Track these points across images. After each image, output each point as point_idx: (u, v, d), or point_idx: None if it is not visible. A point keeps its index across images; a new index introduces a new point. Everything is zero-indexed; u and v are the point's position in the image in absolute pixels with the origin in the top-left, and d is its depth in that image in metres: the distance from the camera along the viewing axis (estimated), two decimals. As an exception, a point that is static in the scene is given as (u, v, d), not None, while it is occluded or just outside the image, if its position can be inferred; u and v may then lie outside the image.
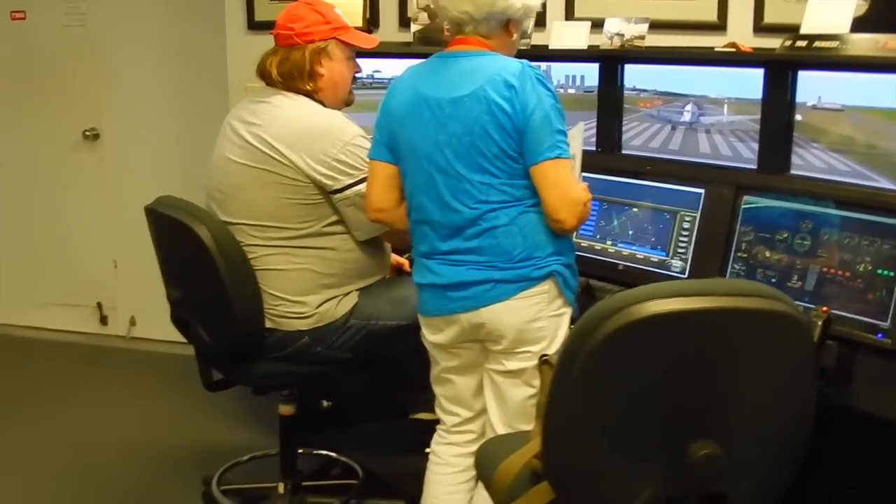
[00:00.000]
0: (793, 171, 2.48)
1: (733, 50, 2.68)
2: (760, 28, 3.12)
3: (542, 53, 3.00)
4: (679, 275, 2.56)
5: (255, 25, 3.68)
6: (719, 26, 3.16)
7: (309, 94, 2.43)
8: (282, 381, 2.56)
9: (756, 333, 1.45)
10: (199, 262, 2.34)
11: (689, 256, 2.55)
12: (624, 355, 1.43)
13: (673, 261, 2.58)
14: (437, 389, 2.38)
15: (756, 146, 2.58)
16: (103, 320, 4.65)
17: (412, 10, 3.22)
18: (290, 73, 2.41)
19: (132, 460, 3.33)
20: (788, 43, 2.48)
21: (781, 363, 1.47)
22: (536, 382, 2.19)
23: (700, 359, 1.44)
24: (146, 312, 4.55)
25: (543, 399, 1.74)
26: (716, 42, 3.14)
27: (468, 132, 2.09)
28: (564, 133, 2.11)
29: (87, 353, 4.50)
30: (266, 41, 3.55)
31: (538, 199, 2.13)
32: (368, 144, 2.37)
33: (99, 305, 4.63)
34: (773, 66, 2.51)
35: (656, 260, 2.62)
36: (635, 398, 1.45)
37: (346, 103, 2.54)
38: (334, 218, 2.40)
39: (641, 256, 2.66)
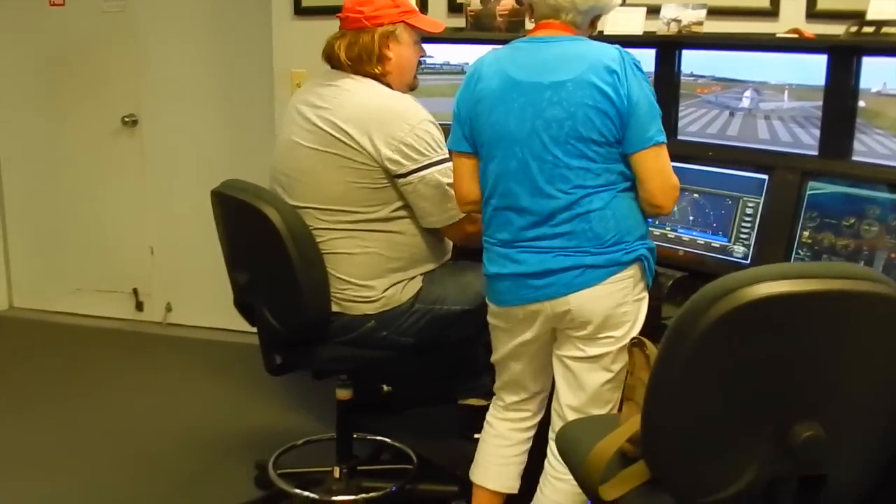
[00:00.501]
0: (855, 158, 2.48)
1: (796, 36, 2.67)
2: (814, 14, 3.11)
3: (598, 38, 2.98)
4: (742, 261, 2.56)
5: (301, 11, 3.68)
6: (772, 13, 3.15)
7: (377, 78, 2.42)
8: (345, 366, 2.56)
9: (862, 316, 1.45)
10: (267, 246, 2.34)
11: (752, 242, 2.55)
12: (733, 337, 1.43)
13: (735, 246, 2.59)
14: (500, 371, 2.40)
15: (817, 132, 2.57)
16: (139, 306, 4.66)
17: (465, -4, 3.22)
18: (360, 56, 2.40)
19: (184, 445, 3.34)
20: (854, 29, 2.48)
21: (887, 346, 1.47)
22: (616, 366, 2.22)
23: (806, 341, 1.45)
24: (182, 299, 4.59)
25: (636, 382, 1.75)
26: (769, 28, 3.14)
27: (570, 117, 2.07)
28: (661, 119, 2.14)
29: (123, 338, 4.51)
30: (312, 26, 3.61)
31: (628, 184, 2.15)
32: (436, 131, 2.38)
33: (135, 291, 4.64)
34: (837, 52, 2.50)
35: (718, 245, 2.62)
36: (741, 380, 1.46)
37: (410, 88, 2.53)
38: (401, 203, 2.41)
39: (702, 242, 2.66)
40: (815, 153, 2.57)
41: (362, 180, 2.36)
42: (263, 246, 2.37)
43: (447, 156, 2.39)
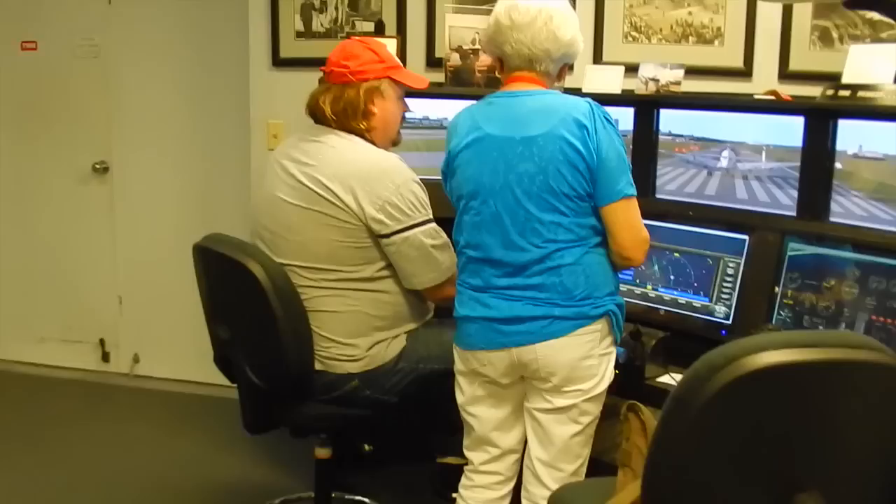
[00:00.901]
0: (832, 219, 2.52)
1: (773, 98, 2.72)
2: (786, 75, 3.18)
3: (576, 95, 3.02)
4: (723, 321, 2.58)
5: (280, 62, 3.67)
6: (745, 73, 3.22)
7: (361, 133, 2.42)
8: (326, 424, 2.53)
9: (864, 385, 1.46)
10: (251, 302, 2.31)
11: (734, 302, 2.57)
12: (737, 405, 1.42)
13: (717, 306, 2.60)
14: (466, 426, 2.37)
15: (794, 192, 2.62)
16: (105, 357, 4.56)
17: (444, 50, 3.24)
18: (345, 110, 2.40)
19: (152, 503, 3.25)
20: (831, 92, 2.54)
21: (886, 415, 1.48)
22: (584, 419, 2.22)
23: (809, 410, 1.45)
24: (150, 350, 4.50)
25: (631, 448, 1.74)
26: (743, 88, 3.20)
27: (541, 171, 2.10)
28: (630, 172, 2.17)
29: (89, 390, 4.40)
30: (290, 78, 3.61)
31: (599, 238, 2.18)
32: (420, 191, 2.39)
33: (101, 342, 4.54)
34: (813, 115, 2.56)
35: (699, 305, 2.64)
36: (744, 448, 1.45)
37: (394, 143, 2.54)
38: (385, 262, 2.40)
39: (684, 301, 2.67)
40: (793, 213, 2.61)
41: (347, 239, 2.34)
42: (247, 302, 2.34)
43: (431, 217, 2.40)
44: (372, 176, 2.33)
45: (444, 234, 2.41)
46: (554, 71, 2.25)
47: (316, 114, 2.46)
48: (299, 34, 3.63)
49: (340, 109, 2.40)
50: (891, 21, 3.09)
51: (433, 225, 2.38)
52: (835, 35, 3.14)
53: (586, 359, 2.17)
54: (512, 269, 2.16)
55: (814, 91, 2.96)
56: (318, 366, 2.38)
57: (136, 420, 4.03)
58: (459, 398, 2.34)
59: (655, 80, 2.94)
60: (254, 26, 3.68)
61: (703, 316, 2.62)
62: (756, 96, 2.79)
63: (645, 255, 2.21)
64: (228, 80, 4.03)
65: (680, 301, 2.68)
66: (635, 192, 2.16)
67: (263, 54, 3.69)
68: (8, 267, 4.62)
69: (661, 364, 2.54)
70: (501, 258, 2.16)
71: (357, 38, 2.63)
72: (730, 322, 2.56)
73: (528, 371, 2.20)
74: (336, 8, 3.57)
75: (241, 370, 2.43)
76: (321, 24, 3.60)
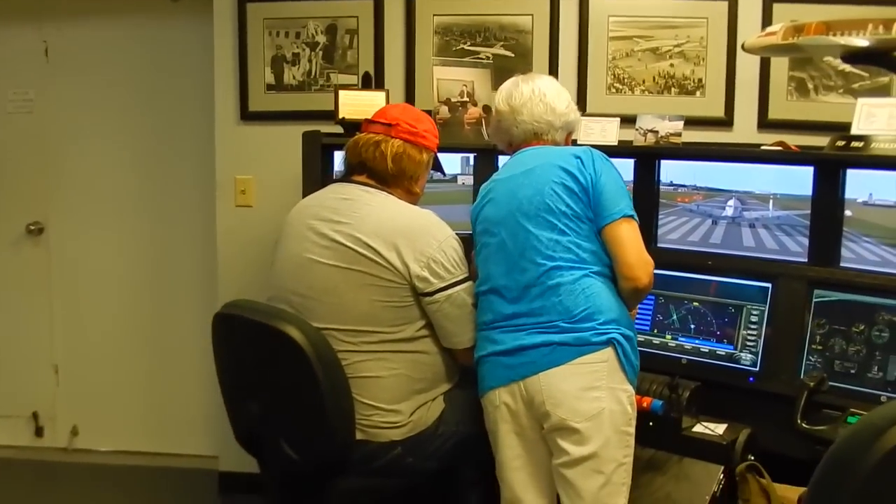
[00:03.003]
0: (843, 264, 2.58)
1: (781, 148, 2.78)
2: (765, 124, 3.29)
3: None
4: (750, 368, 2.59)
5: (248, 116, 3.52)
6: (727, 122, 3.31)
7: (406, 193, 2.38)
8: (363, 498, 2.36)
9: None
10: (290, 370, 2.16)
11: (759, 349, 2.58)
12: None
13: (742, 354, 2.61)
14: (501, 487, 2.29)
15: (803, 239, 2.68)
16: (38, 432, 4.20)
17: (432, 103, 3.18)
18: (404, 169, 2.35)
19: None
20: (842, 143, 2.61)
21: None
22: (607, 468, 2.17)
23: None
24: (90, 421, 4.17)
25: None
26: (724, 137, 3.30)
27: (538, 192, 2.21)
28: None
29: (21, 469, 4.04)
30: (259, 131, 3.48)
31: (601, 268, 2.21)
32: (460, 247, 2.33)
33: (34, 415, 4.19)
34: (823, 165, 2.62)
35: (723, 353, 2.64)
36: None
37: None
38: (425, 321, 2.30)
39: (706, 350, 2.67)
40: (804, 260, 2.66)
41: (389, 298, 2.23)
42: (285, 371, 2.18)
43: (468, 274, 2.33)
44: (415, 232, 2.24)
45: None
46: (560, 140, 2.42)
47: (368, 160, 2.35)
48: (270, 87, 3.50)
49: (401, 166, 2.35)
50: (862, 73, 3.25)
51: (472, 283, 2.30)
52: (810, 86, 3.28)
53: (591, 390, 2.13)
54: (515, 292, 2.20)
55: (794, 140, 3.07)
56: (358, 435, 2.24)
57: (77, 499, 3.72)
58: (497, 456, 2.27)
59: (654, 132, 2.96)
60: (220, 79, 3.52)
61: (728, 364, 2.62)
62: (763, 147, 2.84)
63: (650, 277, 2.18)
64: (185, 136, 3.85)
65: (702, 350, 2.67)
66: (636, 217, 2.23)
67: (231, 108, 3.52)
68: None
69: (694, 414, 2.52)
70: (506, 283, 2.21)
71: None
72: (758, 369, 2.57)
73: (535, 407, 2.16)
74: (309, 60, 3.46)
75: (274, 446, 2.25)
76: (293, 77, 3.48)
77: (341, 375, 2.19)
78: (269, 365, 2.22)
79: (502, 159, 2.96)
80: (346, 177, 2.41)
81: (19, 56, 3.96)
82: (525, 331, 2.16)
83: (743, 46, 2.96)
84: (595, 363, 2.13)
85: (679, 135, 2.94)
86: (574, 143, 2.56)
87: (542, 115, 2.34)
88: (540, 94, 2.35)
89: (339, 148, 3.02)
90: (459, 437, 2.35)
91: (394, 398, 2.25)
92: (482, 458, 2.39)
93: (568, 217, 2.19)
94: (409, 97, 3.42)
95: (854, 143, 2.57)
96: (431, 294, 2.24)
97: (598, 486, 2.15)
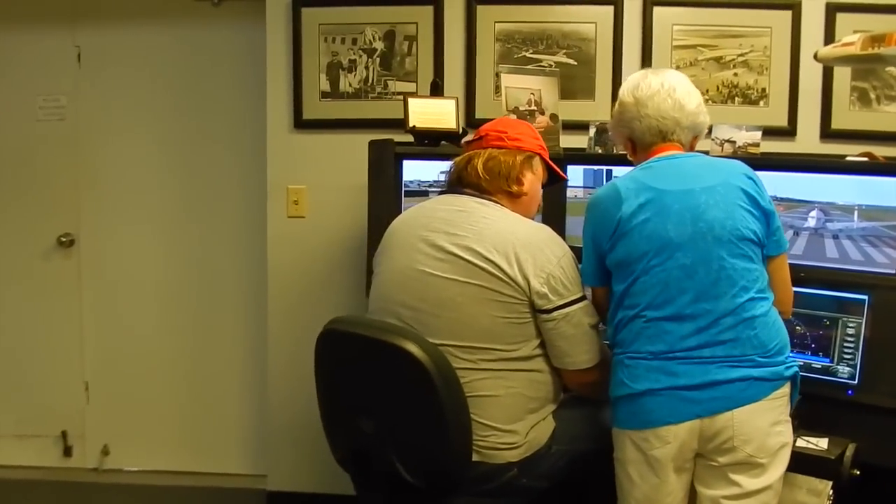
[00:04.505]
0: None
1: (867, 159, 2.77)
2: (828, 134, 3.29)
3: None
4: (849, 381, 2.56)
5: (302, 124, 3.43)
6: (790, 132, 3.30)
7: (508, 197, 2.30)
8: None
9: None
10: (407, 388, 2.09)
11: (858, 362, 2.56)
12: None
13: (839, 367, 2.58)
14: None
15: (889, 251, 2.65)
16: (67, 451, 4.06)
17: (501, 111, 3.11)
18: (498, 172, 2.28)
19: None
20: (934, 154, 2.60)
21: None
22: (773, 501, 2.11)
23: None
24: (121, 440, 4.04)
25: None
26: (787, 147, 3.30)
27: (729, 217, 2.09)
28: None
29: (49, 491, 3.91)
30: (313, 140, 3.41)
31: (772, 297, 2.16)
32: (576, 265, 2.26)
33: (63, 434, 4.04)
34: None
35: (819, 367, 2.61)
36: None
37: None
38: (540, 339, 2.23)
39: (802, 363, 2.62)
40: (891, 271, 2.65)
41: (508, 315, 2.16)
42: (403, 389, 2.11)
43: (584, 294, 2.26)
44: (535, 247, 2.17)
45: (597, 314, 2.26)
46: (686, 141, 2.28)
47: (464, 176, 2.30)
48: (325, 94, 3.41)
49: (494, 169, 2.28)
50: (926, 84, 3.26)
51: (589, 302, 2.24)
52: (872, 96, 3.28)
53: (777, 424, 2.09)
54: (705, 323, 2.06)
55: (853, 149, 3.07)
56: (474, 456, 2.17)
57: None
58: (635, 493, 2.16)
59: (732, 142, 2.94)
60: (273, 86, 3.43)
61: (825, 377, 2.59)
62: (849, 158, 2.83)
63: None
64: (231, 144, 3.75)
65: (798, 363, 2.64)
66: None
67: (284, 115, 3.44)
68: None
69: (794, 429, 2.48)
70: (693, 312, 2.07)
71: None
72: (856, 382, 2.55)
73: (716, 442, 2.07)
74: (366, 67, 3.39)
75: (385, 467, 2.17)
76: (349, 84, 3.40)
77: (462, 392, 2.12)
78: (385, 382, 2.14)
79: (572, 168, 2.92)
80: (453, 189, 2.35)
81: (50, 61, 3.83)
82: (715, 364, 2.05)
83: (816, 56, 2.94)
84: (782, 397, 2.10)
85: (757, 145, 2.92)
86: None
87: (668, 111, 2.20)
88: (669, 89, 2.21)
89: (411, 157, 2.98)
90: (572, 455, 2.28)
91: (510, 418, 2.18)
92: (594, 477, 2.35)
93: (755, 244, 2.11)
94: (470, 105, 3.37)
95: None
96: (549, 311, 2.18)
97: None
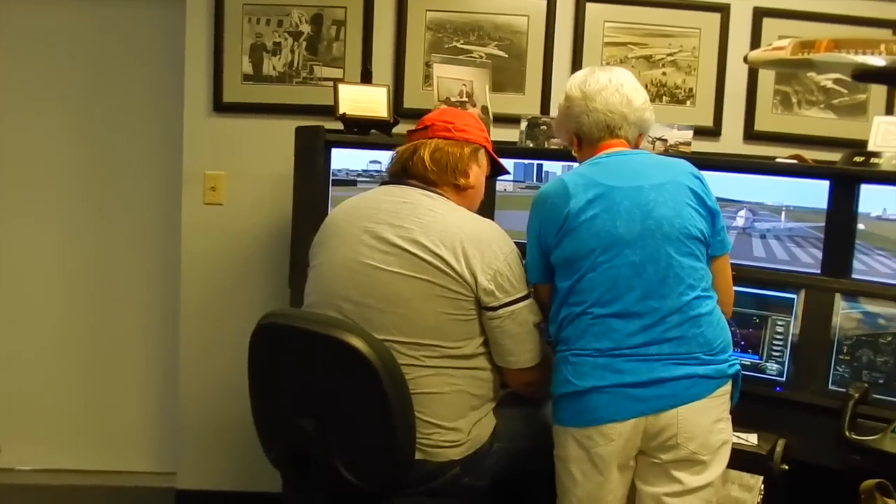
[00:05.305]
0: (854, 276, 2.65)
1: (796, 161, 2.82)
2: (751, 136, 3.36)
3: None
4: (777, 377, 2.61)
5: (222, 107, 3.29)
6: (715, 132, 3.36)
7: (454, 189, 2.24)
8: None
9: None
10: (352, 385, 2.01)
11: (786, 360, 2.61)
12: None
13: (769, 364, 2.63)
14: None
15: (815, 251, 2.73)
16: (-48, 452, 3.79)
17: (433, 102, 3.05)
18: (446, 164, 2.22)
19: None
20: (859, 159, 2.68)
21: None
22: (712, 497, 2.13)
23: None
24: (14, 438, 3.79)
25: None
26: (712, 147, 3.35)
27: (678, 215, 2.09)
28: None
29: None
30: (234, 124, 3.27)
31: (715, 296, 2.18)
32: (522, 261, 2.22)
33: (-52, 434, 3.78)
34: (838, 180, 2.68)
35: (749, 364, 2.65)
36: None
37: None
38: (484, 337, 2.18)
39: (733, 361, 2.67)
40: (816, 271, 2.71)
41: (454, 311, 2.10)
42: (346, 385, 2.02)
43: (529, 292, 2.22)
44: (482, 243, 2.12)
45: (541, 312, 2.23)
46: (632, 138, 2.28)
47: (409, 167, 2.23)
48: (247, 77, 3.27)
49: (442, 162, 2.22)
50: (841, 90, 3.37)
51: (533, 300, 2.20)
52: (794, 100, 3.37)
53: (719, 422, 2.11)
54: (651, 321, 2.06)
55: (775, 151, 3.15)
56: (417, 455, 2.10)
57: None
58: (577, 491, 2.14)
59: (663, 140, 2.96)
60: (191, 67, 3.27)
61: (754, 374, 2.63)
62: (779, 159, 2.88)
63: None
64: (144, 126, 3.55)
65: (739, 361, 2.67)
66: None
67: (202, 98, 3.28)
68: None
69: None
70: (640, 309, 2.06)
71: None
72: (784, 379, 2.60)
73: (659, 440, 2.07)
74: (292, 51, 3.26)
75: (326, 467, 2.08)
76: (273, 68, 3.28)
77: (407, 390, 2.05)
78: (328, 379, 2.05)
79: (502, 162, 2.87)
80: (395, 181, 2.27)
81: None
82: (661, 361, 2.05)
83: (746, 59, 2.99)
84: (724, 395, 2.12)
85: (688, 144, 2.95)
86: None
87: (616, 106, 2.20)
88: (617, 84, 2.21)
89: (342, 145, 2.88)
90: (513, 452, 2.24)
91: (454, 415, 2.13)
92: (534, 474, 2.31)
93: (701, 243, 2.12)
94: (398, 94, 3.29)
95: (873, 160, 2.65)
96: (495, 309, 2.13)
97: None
